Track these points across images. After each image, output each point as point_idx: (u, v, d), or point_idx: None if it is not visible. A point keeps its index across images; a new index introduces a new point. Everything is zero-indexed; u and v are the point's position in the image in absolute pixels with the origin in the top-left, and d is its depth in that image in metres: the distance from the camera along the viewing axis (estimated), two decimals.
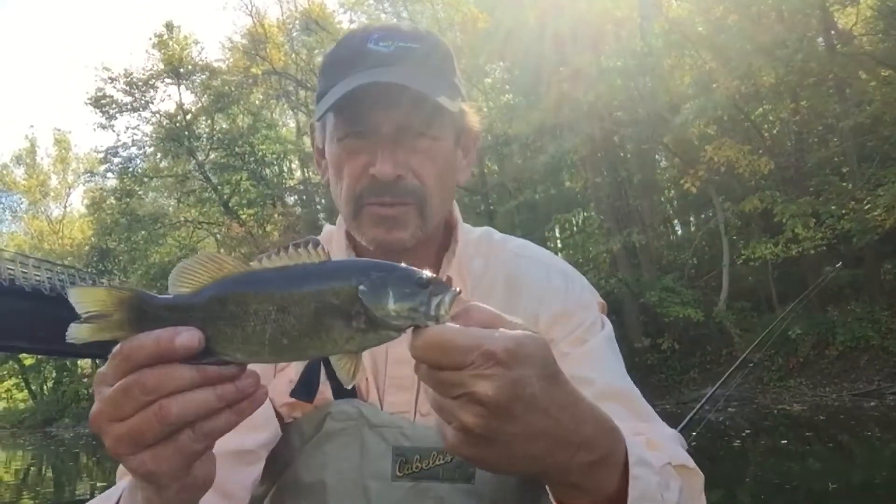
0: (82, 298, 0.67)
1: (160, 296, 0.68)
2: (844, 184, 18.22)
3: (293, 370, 1.07)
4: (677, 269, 20.43)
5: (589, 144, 19.40)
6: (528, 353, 0.62)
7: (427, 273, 0.64)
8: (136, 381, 0.63)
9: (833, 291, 18.11)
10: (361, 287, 0.63)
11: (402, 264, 0.66)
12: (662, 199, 23.42)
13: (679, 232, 24.64)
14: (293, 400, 1.06)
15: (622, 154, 21.81)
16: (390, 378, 1.07)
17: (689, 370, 18.69)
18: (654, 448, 0.87)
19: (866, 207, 16.38)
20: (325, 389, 1.05)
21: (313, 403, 1.05)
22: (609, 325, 1.16)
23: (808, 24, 17.71)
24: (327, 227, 1.26)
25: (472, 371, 0.60)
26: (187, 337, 0.64)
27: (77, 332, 0.67)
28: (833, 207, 17.33)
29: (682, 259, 21.25)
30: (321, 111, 1.05)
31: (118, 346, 0.65)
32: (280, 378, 1.08)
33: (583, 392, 0.82)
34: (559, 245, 23.79)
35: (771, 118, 20.47)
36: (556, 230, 22.69)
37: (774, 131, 20.58)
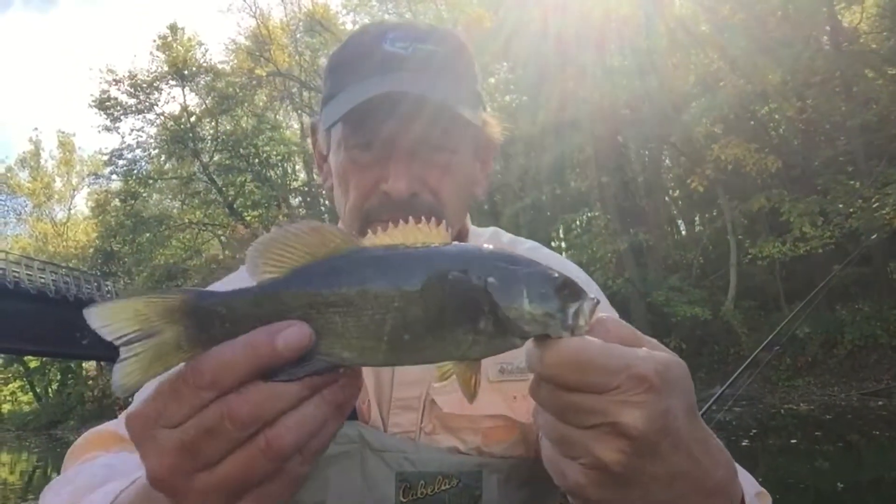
0: (111, 319, 0.50)
1: (234, 290, 0.52)
2: (852, 182, 18.16)
3: None
4: (683, 268, 20.37)
5: (594, 144, 19.35)
6: (677, 379, 0.53)
7: (563, 274, 0.53)
8: (226, 414, 0.49)
9: (841, 290, 18.05)
10: (491, 279, 0.52)
11: (532, 259, 0.55)
12: (667, 198, 23.34)
13: (683, 231, 24.55)
14: None
15: (627, 154, 21.75)
16: (396, 400, 1.00)
17: (697, 370, 18.62)
18: None
19: (874, 206, 16.33)
20: None
21: None
22: None
23: (814, 22, 17.65)
24: None
25: (619, 396, 0.50)
26: (294, 333, 0.50)
27: (126, 374, 0.50)
28: (840, 206, 17.27)
29: (688, 259, 21.18)
30: (331, 119, 0.96)
31: (182, 373, 0.50)
32: None
33: None
34: (563, 245, 23.73)
35: (776, 117, 20.42)
36: (561, 231, 22.61)
37: (780, 130, 20.53)
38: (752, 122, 19.65)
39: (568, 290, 0.52)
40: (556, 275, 0.53)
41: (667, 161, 22.55)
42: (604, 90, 18.32)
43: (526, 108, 21.47)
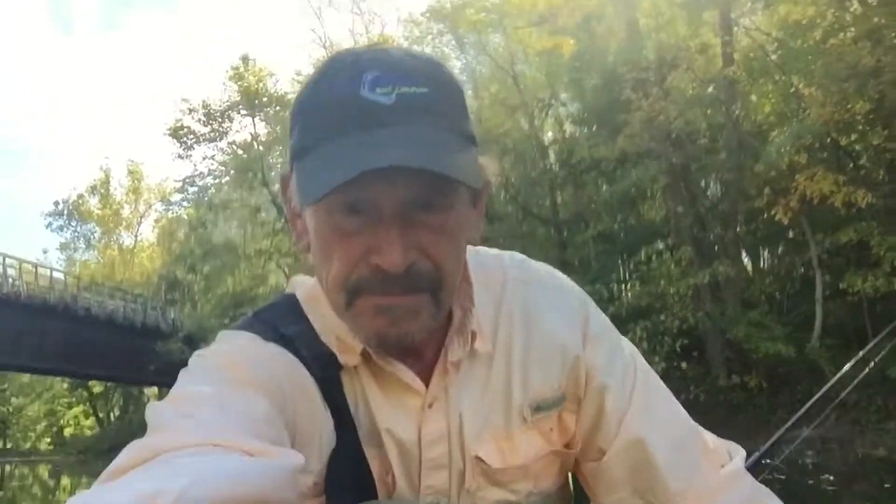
0: None
1: None
2: None
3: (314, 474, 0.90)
4: (762, 303, 19.68)
5: (670, 173, 18.99)
6: None
7: None
8: None
9: None
10: None
11: None
12: (740, 230, 22.68)
13: (751, 265, 23.67)
14: None
15: (701, 184, 21.34)
16: (426, 461, 0.95)
17: (777, 409, 17.86)
18: None
19: None
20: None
21: None
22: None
23: None
24: (306, 283, 1.02)
25: None
26: None
27: None
28: None
29: (768, 293, 20.47)
30: (312, 190, 0.78)
31: None
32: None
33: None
34: (630, 277, 23.17)
35: (857, 148, 19.76)
36: (631, 263, 22.10)
37: (863, 160, 19.85)
38: (836, 153, 19.04)
39: None
40: None
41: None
42: (687, 118, 18.01)
43: (598, 137, 21.30)
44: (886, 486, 11.58)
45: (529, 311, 1.00)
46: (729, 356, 18.88)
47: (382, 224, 0.80)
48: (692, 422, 1.04)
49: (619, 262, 23.15)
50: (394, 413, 0.94)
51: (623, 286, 22.98)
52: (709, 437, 1.04)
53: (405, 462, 0.95)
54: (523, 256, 1.09)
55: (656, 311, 18.74)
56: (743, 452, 1.02)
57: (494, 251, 1.08)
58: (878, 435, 16.67)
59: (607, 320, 1.07)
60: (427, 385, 0.95)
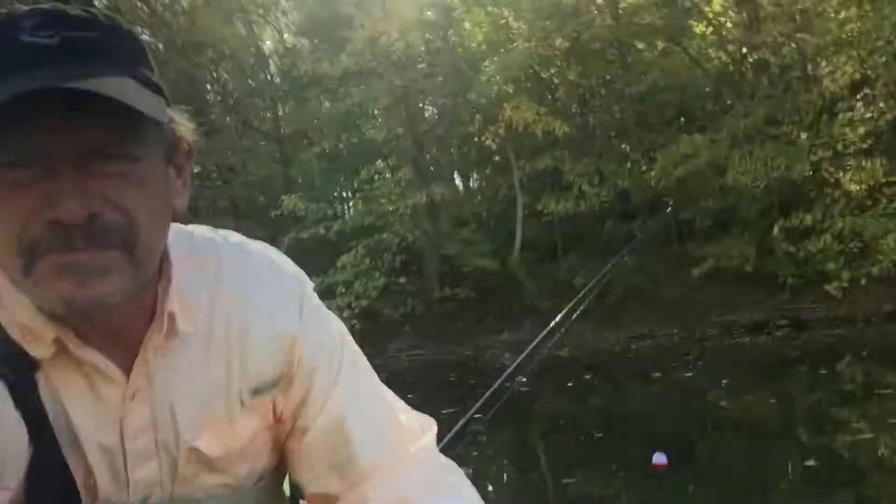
0: None
1: None
2: (624, 146, 19.87)
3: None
4: (472, 222, 21.14)
5: (392, 94, 19.28)
6: None
7: None
8: None
9: (610, 244, 19.76)
10: None
11: None
12: (454, 153, 23.83)
13: (466, 186, 25.10)
14: None
15: (421, 107, 21.94)
16: (130, 453, 0.88)
17: (484, 318, 19.60)
18: None
19: (643, 170, 18.04)
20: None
21: None
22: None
23: None
24: None
25: None
26: None
27: None
28: (614, 168, 18.86)
29: (477, 213, 22.03)
30: None
31: None
32: None
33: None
34: (356, 196, 23.41)
35: (556, 81, 21.59)
36: (355, 182, 22.28)
37: (561, 93, 21.77)
38: (539, 85, 20.67)
39: None
40: None
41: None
42: (409, 40, 18.32)
43: (321, 53, 20.82)
44: (569, 384, 13.31)
45: (245, 295, 0.96)
46: (443, 271, 20.16)
47: (58, 173, 0.71)
48: (392, 399, 1.10)
49: (343, 180, 23.28)
50: (93, 409, 0.85)
51: (346, 205, 23.21)
52: (406, 412, 1.09)
53: (108, 460, 0.87)
54: (240, 237, 1.03)
55: (378, 229, 19.27)
56: (434, 429, 1.09)
57: (209, 231, 1.01)
58: (565, 337, 18.94)
59: (320, 302, 1.06)
60: (130, 374, 0.87)
